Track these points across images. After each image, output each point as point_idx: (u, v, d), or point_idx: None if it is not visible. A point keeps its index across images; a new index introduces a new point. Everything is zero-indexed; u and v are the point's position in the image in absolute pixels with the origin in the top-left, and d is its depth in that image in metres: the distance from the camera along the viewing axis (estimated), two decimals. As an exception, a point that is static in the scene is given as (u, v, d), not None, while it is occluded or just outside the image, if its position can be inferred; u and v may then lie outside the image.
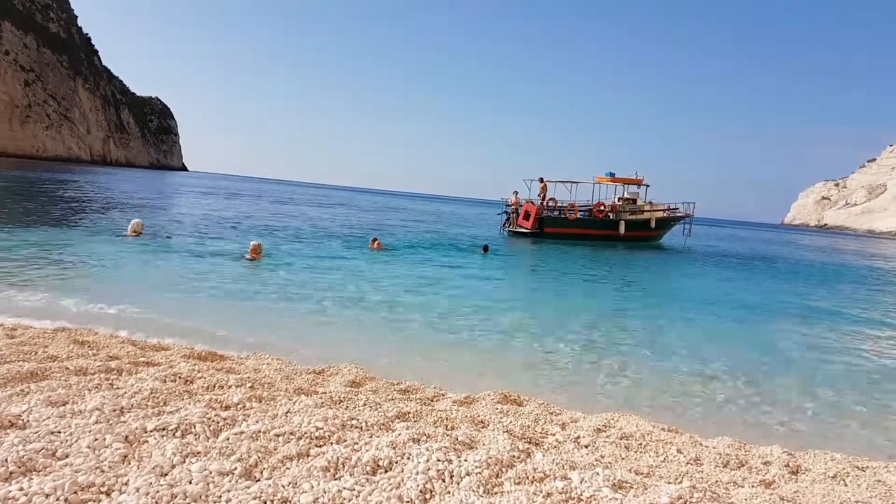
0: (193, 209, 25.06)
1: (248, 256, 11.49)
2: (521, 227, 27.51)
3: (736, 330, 9.37)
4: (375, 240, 15.57)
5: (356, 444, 2.98)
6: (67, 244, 11.34)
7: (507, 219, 29.13)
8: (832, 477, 3.52)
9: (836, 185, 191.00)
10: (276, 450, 2.81)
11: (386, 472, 2.68)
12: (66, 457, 2.50)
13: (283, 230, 19.62)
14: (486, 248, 17.54)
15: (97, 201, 23.69)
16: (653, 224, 28.59)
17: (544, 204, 27.66)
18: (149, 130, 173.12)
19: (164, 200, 30.07)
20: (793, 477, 3.50)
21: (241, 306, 7.91)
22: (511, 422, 3.94)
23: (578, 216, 27.65)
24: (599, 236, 27.50)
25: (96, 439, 2.66)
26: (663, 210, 29.40)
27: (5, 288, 7.35)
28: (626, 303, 11.59)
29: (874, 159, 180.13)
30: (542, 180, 28.09)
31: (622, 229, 27.64)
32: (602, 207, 28.17)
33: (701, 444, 3.97)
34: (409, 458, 2.79)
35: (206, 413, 3.12)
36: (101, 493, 2.24)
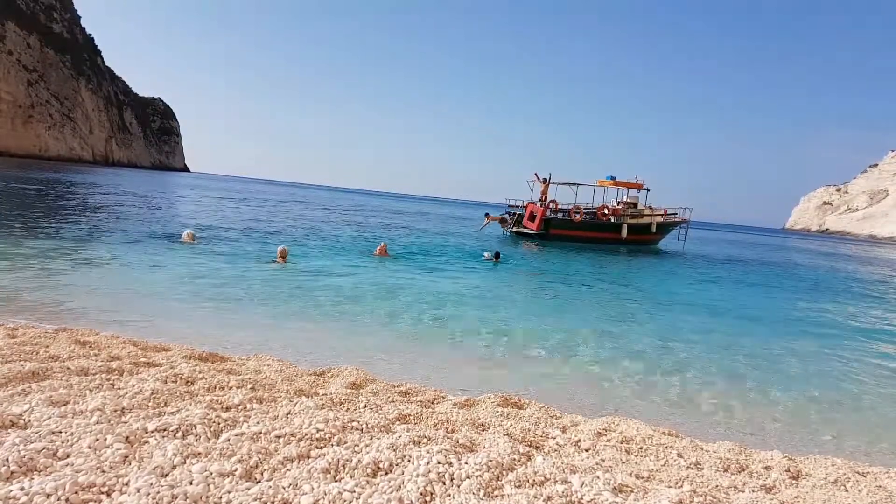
0: (222, 215, 25.92)
1: (276, 261, 12.09)
2: (526, 228, 27.56)
3: (738, 335, 9.36)
4: (382, 245, 15.45)
5: (357, 445, 2.98)
6: (135, 249, 12.42)
7: (511, 220, 29.18)
8: (833, 482, 3.52)
9: (838, 190, 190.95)
10: (276, 451, 2.80)
11: (386, 474, 2.68)
12: (67, 457, 2.50)
13: (298, 234, 19.76)
14: (497, 256, 16.63)
15: (134, 207, 24.25)
16: (653, 228, 28.68)
17: (546, 204, 27.76)
18: (151, 131, 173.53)
19: (190, 206, 30.25)
20: (793, 482, 3.50)
21: (250, 308, 7.93)
22: (511, 425, 3.93)
23: (583, 219, 27.73)
24: (603, 239, 27.58)
25: (97, 439, 2.66)
26: (662, 214, 29.52)
27: (81, 294, 7.46)
28: (628, 307, 11.59)
29: (876, 164, 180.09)
30: (544, 181, 28.18)
31: (625, 233, 27.74)
32: (605, 211, 28.25)
33: (701, 449, 3.96)
34: (409, 461, 2.78)
35: (207, 414, 3.12)
36: (102, 493, 2.24)
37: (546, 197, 28.31)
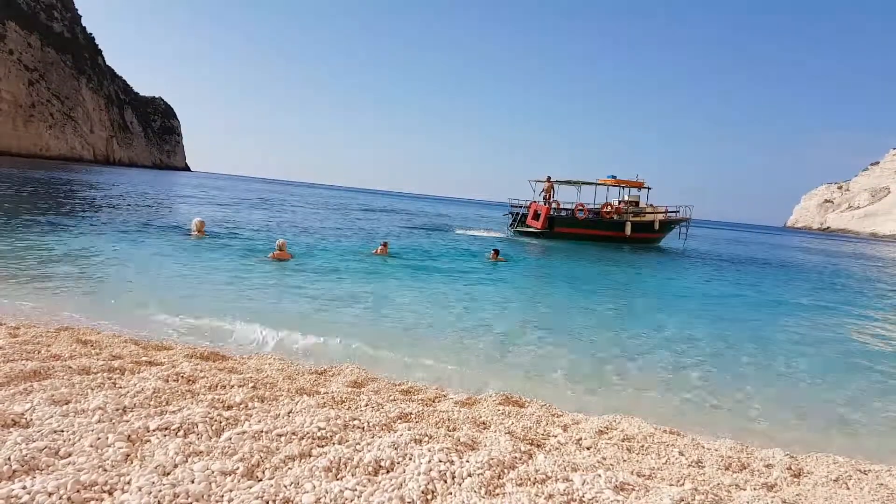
0: (227, 212, 26.35)
1: (275, 254, 12.32)
2: (530, 226, 27.57)
3: (740, 334, 9.35)
4: (384, 244, 15.32)
5: (358, 444, 2.98)
6: (148, 242, 12.95)
7: (514, 219, 29.14)
8: (834, 480, 3.51)
9: (839, 188, 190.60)
10: (278, 450, 2.81)
11: (388, 472, 2.68)
12: (69, 455, 2.50)
13: (300, 232, 19.84)
14: (496, 254, 16.12)
15: (138, 205, 24.53)
16: (656, 226, 28.71)
17: (550, 204, 27.76)
18: (152, 130, 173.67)
19: (196, 205, 30.29)
20: (795, 480, 3.49)
21: (251, 307, 7.93)
22: (513, 423, 3.93)
23: (587, 216, 27.73)
24: (607, 237, 27.60)
25: (99, 438, 2.67)
26: (663, 213, 29.54)
27: (82, 293, 7.42)
28: (631, 307, 11.59)
29: (877, 162, 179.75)
30: (548, 179, 28.19)
31: (628, 230, 27.78)
32: (609, 209, 28.28)
33: (703, 447, 3.96)
34: (410, 459, 2.79)
35: (209, 413, 3.12)
36: (104, 491, 2.24)
37: (550, 195, 28.30)
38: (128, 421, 2.96)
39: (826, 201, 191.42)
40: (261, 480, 2.49)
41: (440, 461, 2.75)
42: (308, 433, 3.02)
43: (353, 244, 17.35)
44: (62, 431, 2.70)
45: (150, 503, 2.18)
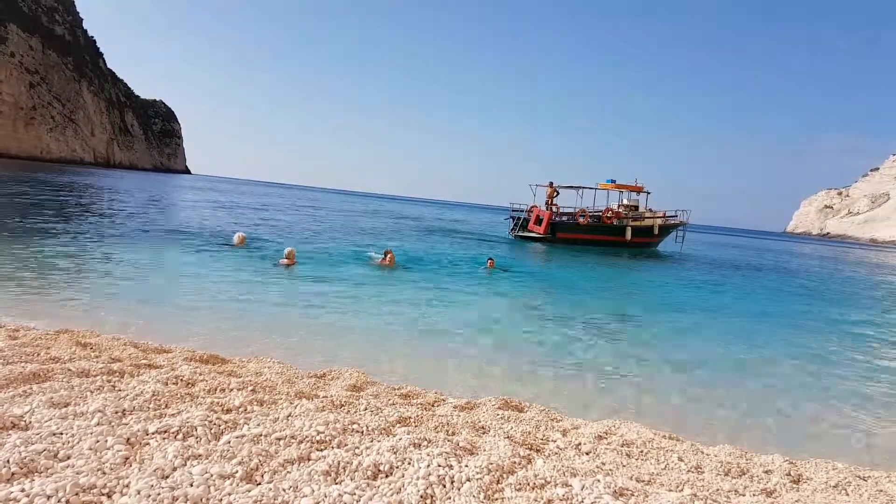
0: (231, 215, 27.00)
1: (283, 262, 12.23)
2: (532, 231, 27.60)
3: (738, 339, 9.36)
4: (389, 253, 15.06)
5: (357, 448, 2.98)
6: (193, 253, 13.02)
7: (515, 223, 29.14)
8: (833, 486, 3.51)
9: (839, 193, 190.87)
10: (277, 453, 2.81)
11: (387, 476, 2.68)
12: (68, 458, 2.50)
13: (306, 238, 19.90)
14: (491, 262, 15.72)
15: (151, 208, 24.99)
16: (655, 231, 28.79)
17: (552, 209, 27.80)
18: (153, 133, 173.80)
19: (211, 209, 30.54)
20: (794, 486, 3.49)
21: (252, 310, 7.94)
22: (512, 428, 3.93)
23: (589, 222, 27.78)
24: (607, 242, 27.67)
25: (98, 441, 2.67)
26: (662, 217, 29.64)
27: (82, 296, 7.40)
28: (628, 311, 11.59)
29: (877, 168, 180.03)
30: (550, 185, 28.25)
31: (629, 235, 27.84)
32: (609, 214, 28.33)
33: (702, 452, 3.96)
34: (409, 464, 2.78)
35: (208, 416, 3.12)
36: (103, 494, 2.24)
37: (552, 200, 28.34)
38: (127, 424, 2.96)
39: (826, 207, 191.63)
40: (259, 484, 2.48)
41: (439, 466, 2.75)
42: (307, 437, 3.01)
43: (358, 251, 17.34)
44: (61, 434, 2.70)
45: (149, 506, 2.18)
